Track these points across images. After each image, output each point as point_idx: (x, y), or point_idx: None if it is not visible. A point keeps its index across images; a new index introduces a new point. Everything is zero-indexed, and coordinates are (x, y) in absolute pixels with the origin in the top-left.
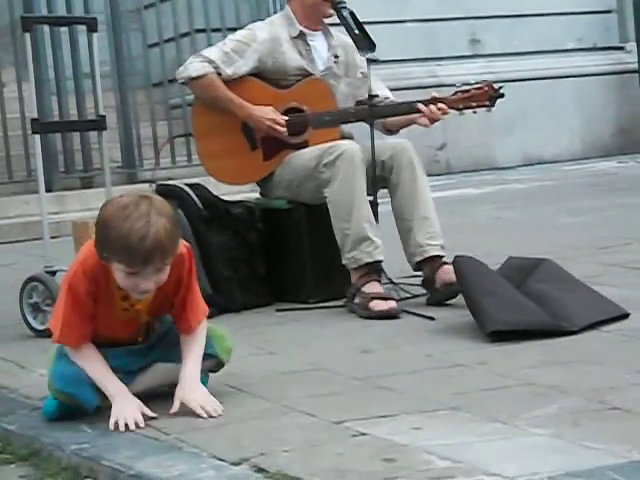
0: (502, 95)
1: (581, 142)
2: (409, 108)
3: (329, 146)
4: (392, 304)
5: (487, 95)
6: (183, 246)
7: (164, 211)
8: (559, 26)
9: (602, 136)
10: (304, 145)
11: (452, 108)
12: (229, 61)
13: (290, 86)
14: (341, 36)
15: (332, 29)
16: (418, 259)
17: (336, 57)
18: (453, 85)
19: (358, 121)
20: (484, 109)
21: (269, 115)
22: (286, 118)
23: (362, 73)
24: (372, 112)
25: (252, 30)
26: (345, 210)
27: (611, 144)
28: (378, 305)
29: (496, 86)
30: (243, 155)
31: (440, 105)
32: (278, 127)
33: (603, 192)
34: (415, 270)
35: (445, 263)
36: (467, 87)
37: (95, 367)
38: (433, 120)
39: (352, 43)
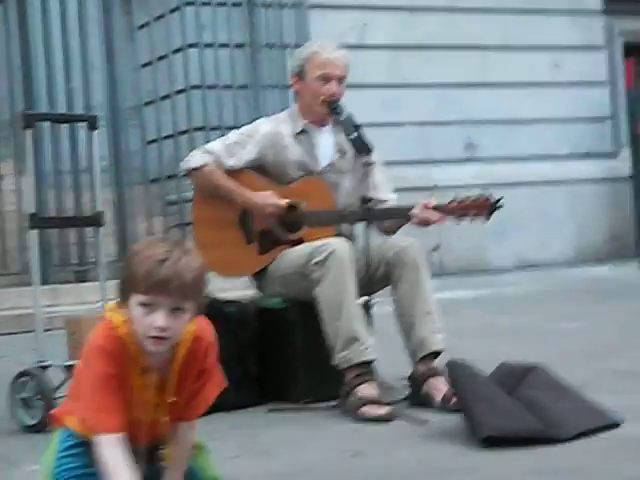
0: (500, 207)
1: (574, 247)
2: (404, 213)
3: (319, 244)
4: (384, 410)
5: (485, 207)
6: (212, 335)
7: (191, 253)
8: (553, 132)
9: (595, 242)
10: (299, 242)
11: (447, 214)
12: (230, 152)
13: (289, 182)
14: None
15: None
16: (421, 354)
17: (342, 153)
18: (448, 188)
19: (353, 222)
20: (481, 219)
21: (270, 200)
22: (287, 200)
23: (366, 166)
24: (366, 215)
25: (255, 124)
26: (335, 310)
27: (604, 250)
28: (370, 411)
29: (494, 198)
30: (238, 248)
31: (436, 213)
32: (278, 210)
33: (595, 298)
34: (416, 364)
35: (439, 374)
36: (465, 197)
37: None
38: (427, 224)
39: (367, 136)
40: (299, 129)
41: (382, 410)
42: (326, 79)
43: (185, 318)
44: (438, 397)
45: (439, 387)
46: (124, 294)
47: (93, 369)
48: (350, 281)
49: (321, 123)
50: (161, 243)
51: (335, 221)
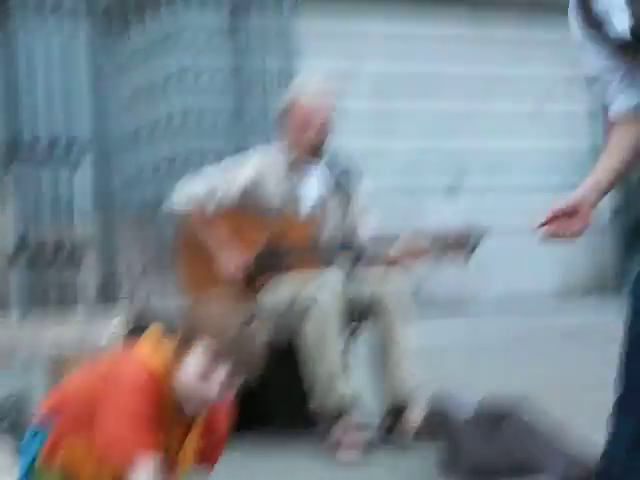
0: (478, 246)
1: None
2: (379, 258)
3: (306, 289)
4: (356, 455)
5: (463, 246)
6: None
7: (264, 331)
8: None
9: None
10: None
11: (423, 256)
12: (212, 197)
13: (271, 220)
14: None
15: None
16: (390, 400)
17: (328, 193)
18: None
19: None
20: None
21: (230, 264)
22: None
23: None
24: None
25: (241, 166)
26: (316, 356)
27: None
28: (344, 456)
29: (473, 236)
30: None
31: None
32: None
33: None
34: (386, 408)
35: (408, 409)
36: (445, 235)
37: None
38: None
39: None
40: (284, 171)
41: (354, 455)
42: (307, 126)
43: (236, 385)
44: (411, 430)
45: (412, 420)
46: (188, 338)
47: (130, 406)
48: (333, 329)
49: (307, 162)
50: (243, 308)
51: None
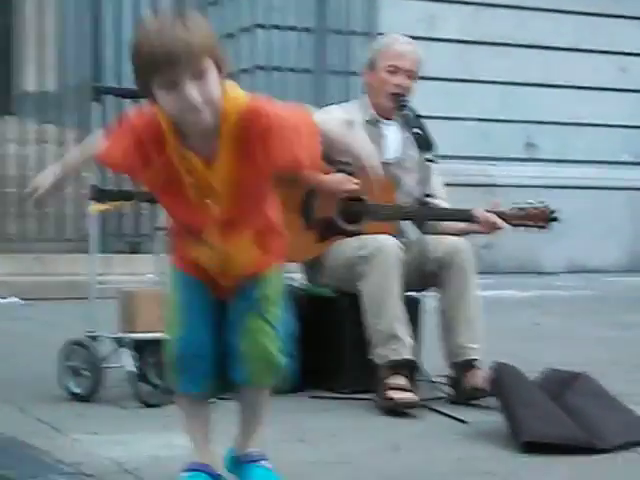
0: (557, 219)
1: (628, 254)
2: (465, 215)
3: (368, 238)
4: (409, 395)
5: (543, 216)
6: (267, 103)
7: (190, 16)
8: (615, 138)
9: None
10: (358, 234)
11: (506, 222)
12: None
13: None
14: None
15: None
16: (456, 360)
17: (408, 150)
18: (505, 187)
19: (416, 220)
20: (537, 229)
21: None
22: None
23: (426, 162)
24: (429, 214)
25: (328, 109)
26: (376, 307)
27: None
28: (396, 393)
29: (552, 209)
30: (296, 233)
31: (496, 219)
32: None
33: None
34: (450, 368)
35: (476, 367)
36: (525, 205)
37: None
38: (489, 229)
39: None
40: (369, 117)
41: (407, 395)
42: (395, 71)
43: (211, 79)
44: (482, 384)
45: (481, 376)
46: (143, 85)
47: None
48: (394, 280)
49: (388, 116)
50: (157, 21)
51: (398, 217)
